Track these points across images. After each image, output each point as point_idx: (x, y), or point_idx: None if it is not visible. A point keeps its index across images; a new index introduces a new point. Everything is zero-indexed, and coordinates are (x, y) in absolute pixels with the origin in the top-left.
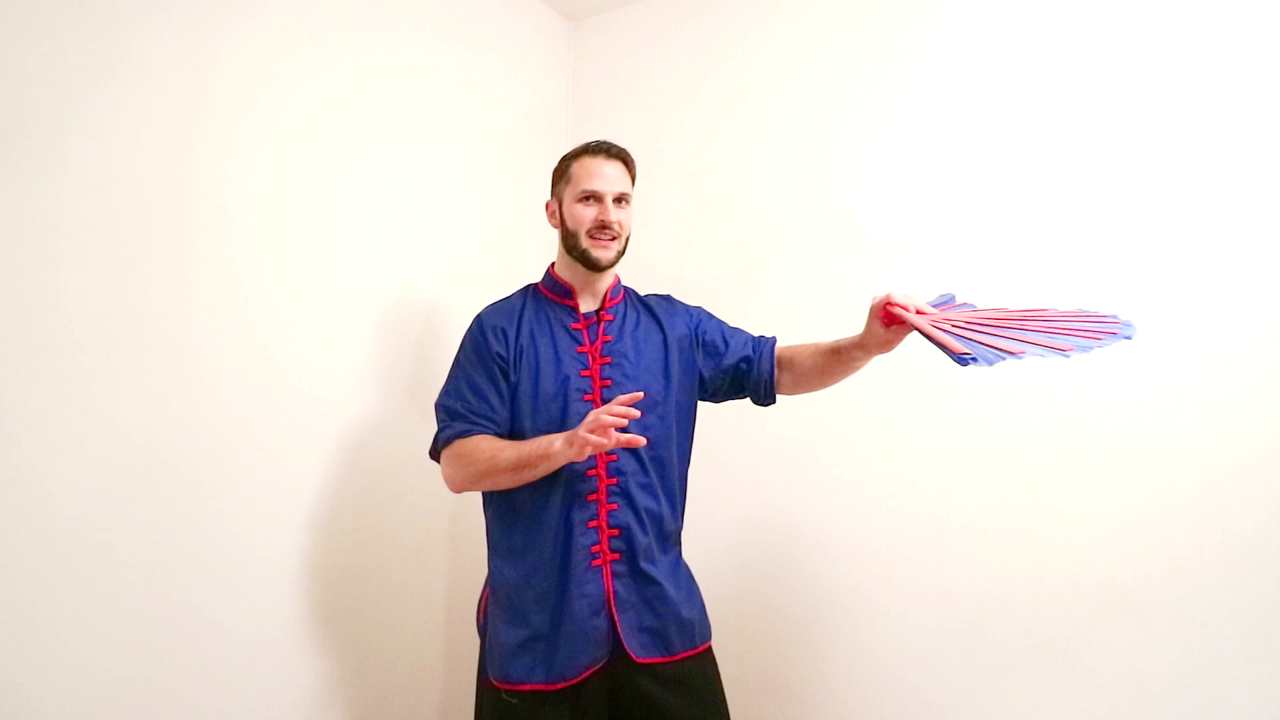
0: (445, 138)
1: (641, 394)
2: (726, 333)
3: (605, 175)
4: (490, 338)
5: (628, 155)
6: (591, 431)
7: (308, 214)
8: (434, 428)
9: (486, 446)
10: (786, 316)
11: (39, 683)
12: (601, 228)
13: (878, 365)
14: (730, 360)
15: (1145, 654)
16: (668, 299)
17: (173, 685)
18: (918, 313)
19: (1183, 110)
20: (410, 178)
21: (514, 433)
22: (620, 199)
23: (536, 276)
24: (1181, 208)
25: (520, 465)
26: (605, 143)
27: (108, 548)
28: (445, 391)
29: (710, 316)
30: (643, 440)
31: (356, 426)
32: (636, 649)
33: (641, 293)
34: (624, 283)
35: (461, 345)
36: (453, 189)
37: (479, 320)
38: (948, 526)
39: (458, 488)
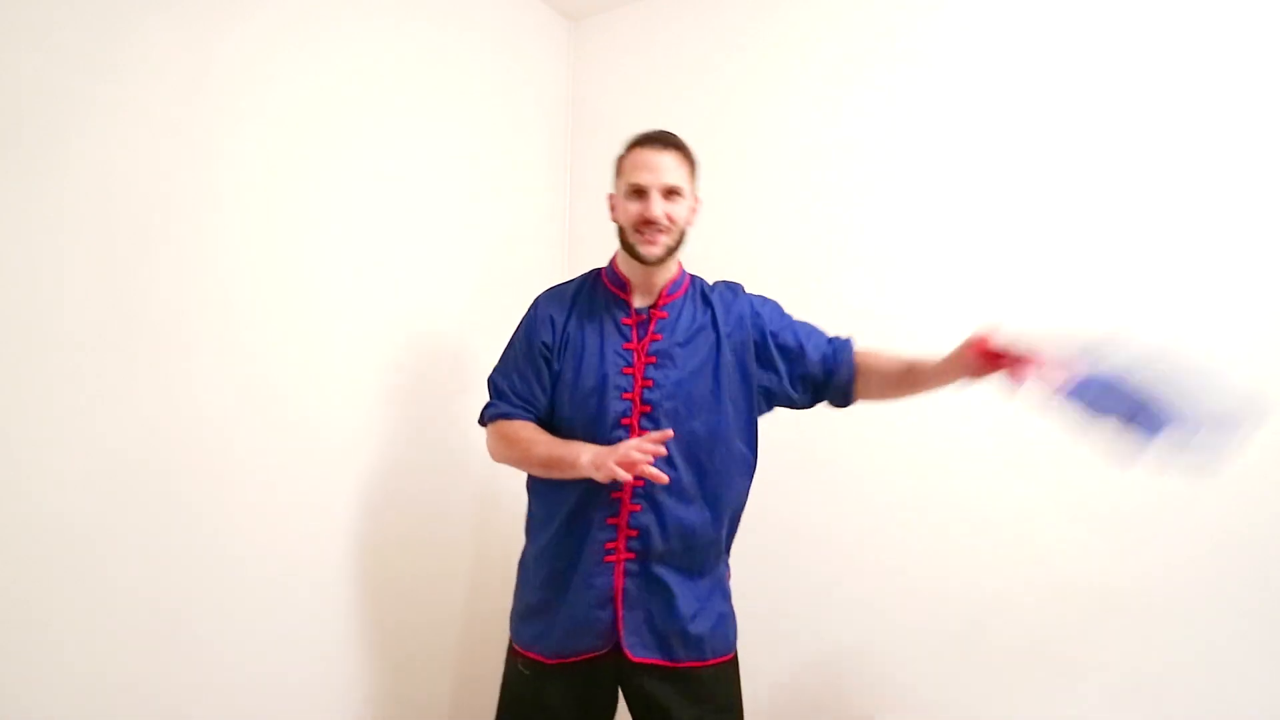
0: (445, 138)
1: (671, 433)
2: (801, 333)
3: (652, 167)
4: (539, 326)
5: (681, 143)
6: (619, 463)
7: (305, 215)
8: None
9: (525, 436)
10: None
11: (37, 687)
12: (646, 224)
13: None
14: (813, 362)
15: (1144, 654)
16: (734, 291)
17: (172, 688)
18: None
19: (1183, 110)
20: (410, 178)
21: (552, 419)
22: (671, 191)
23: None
24: (1182, 208)
25: (548, 464)
26: (658, 132)
27: (106, 552)
28: (498, 368)
29: (783, 314)
30: (665, 478)
31: (356, 428)
32: (633, 647)
33: (711, 280)
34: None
35: (519, 324)
36: (452, 189)
37: (535, 305)
38: (946, 527)
39: (496, 460)
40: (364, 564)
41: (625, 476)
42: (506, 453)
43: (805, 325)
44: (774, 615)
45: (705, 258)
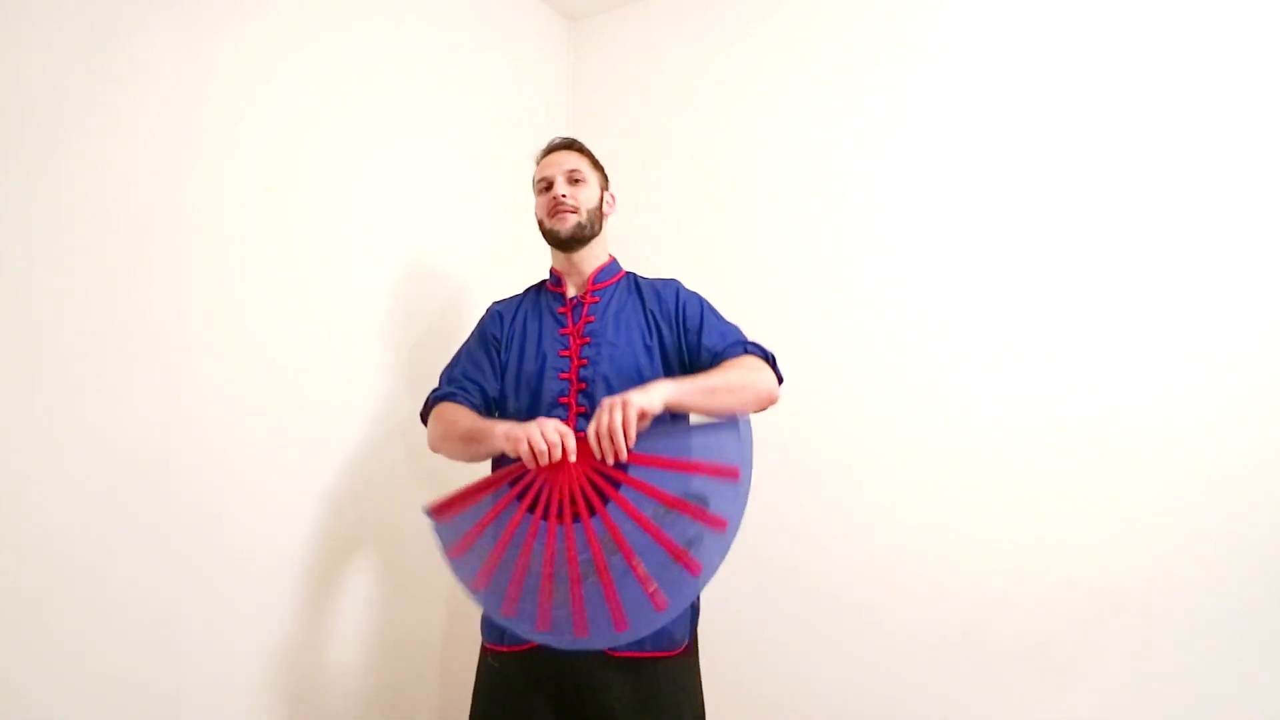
0: (444, 137)
1: (575, 441)
2: (710, 323)
3: (552, 162)
4: (490, 322)
5: (573, 141)
6: (528, 438)
7: (304, 216)
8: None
9: (454, 415)
10: (784, 316)
11: (38, 685)
12: (555, 205)
13: (877, 365)
14: (704, 347)
15: (1145, 655)
16: (667, 281)
17: (171, 689)
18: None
19: (1183, 111)
20: (409, 178)
21: (502, 407)
22: (573, 177)
23: (534, 275)
24: (1184, 209)
25: (469, 437)
26: (552, 139)
27: (106, 550)
28: (448, 365)
29: (706, 307)
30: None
31: (356, 427)
32: None
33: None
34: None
35: (472, 331)
36: (452, 189)
37: (489, 308)
38: (947, 527)
39: (431, 447)
40: (364, 564)
41: (535, 448)
42: (436, 432)
43: (721, 321)
44: (772, 617)
45: (705, 257)
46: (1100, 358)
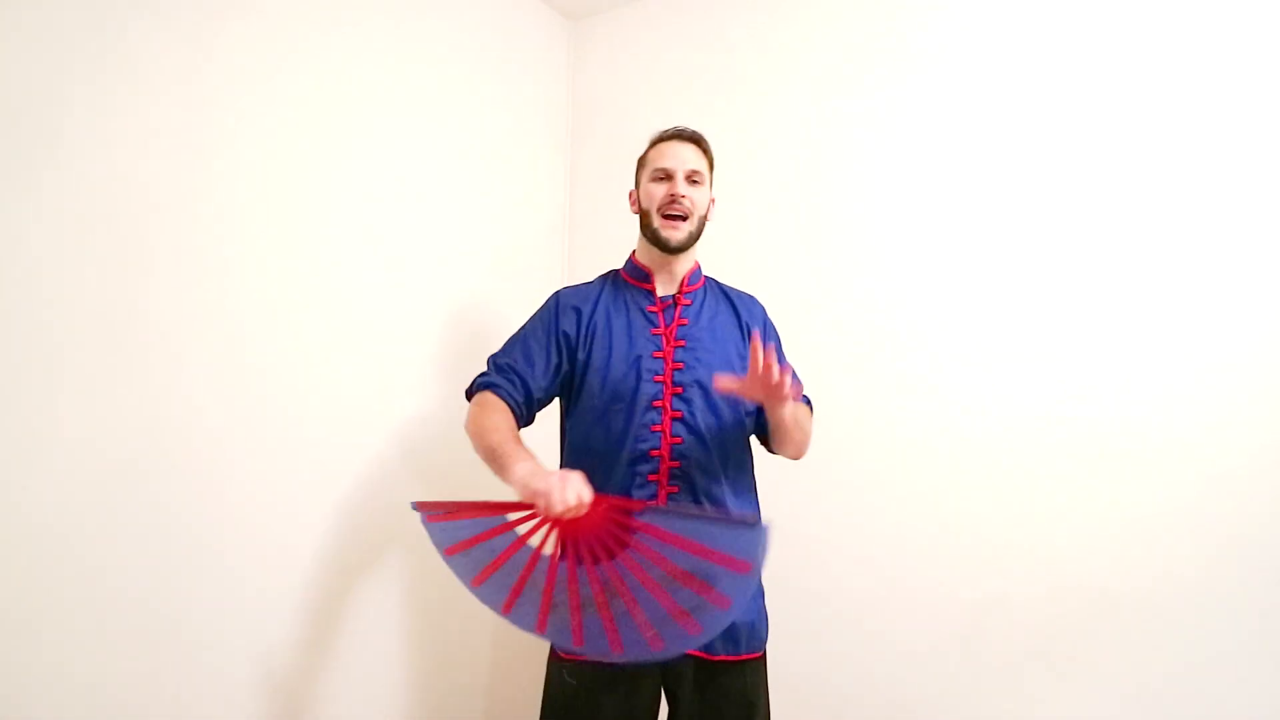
0: (444, 137)
1: (589, 500)
2: (784, 361)
3: (676, 154)
4: (561, 315)
5: (702, 139)
6: (539, 492)
7: (302, 217)
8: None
9: (489, 419)
10: (784, 316)
11: (33, 690)
12: (672, 202)
13: (876, 365)
14: None
15: (1145, 655)
16: (752, 299)
17: (169, 691)
18: None
19: (1184, 111)
20: (409, 177)
21: (580, 408)
22: (694, 177)
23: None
24: (1184, 210)
25: (491, 455)
26: (681, 127)
27: (103, 555)
28: (501, 349)
29: (778, 341)
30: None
31: (355, 427)
32: None
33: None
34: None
35: (532, 316)
36: (451, 188)
37: (555, 296)
38: (947, 527)
39: (468, 432)
40: (365, 568)
41: (550, 506)
42: (471, 425)
43: (786, 361)
44: (771, 618)
45: (705, 256)
46: (1100, 358)
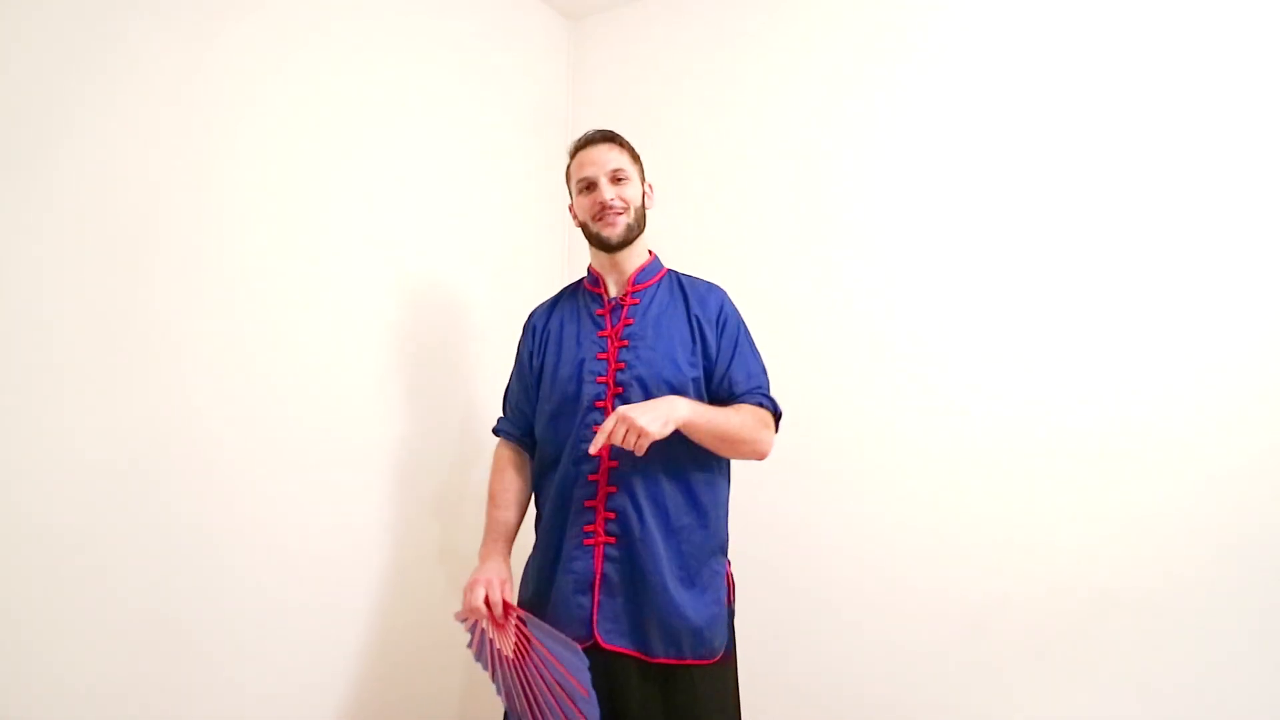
0: (444, 137)
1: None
2: (743, 353)
3: (593, 161)
4: (526, 337)
5: (613, 134)
6: (469, 597)
7: (301, 217)
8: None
9: (497, 484)
10: (784, 317)
11: (35, 692)
12: (602, 210)
13: (876, 364)
14: (725, 368)
15: (1145, 655)
16: (710, 286)
17: (170, 693)
18: None
19: (1184, 112)
20: (409, 178)
21: (539, 413)
22: (617, 175)
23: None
24: (1184, 210)
25: (487, 509)
26: (590, 131)
27: (104, 556)
28: (508, 383)
29: (744, 331)
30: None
31: (355, 427)
32: (603, 633)
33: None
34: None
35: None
36: (452, 188)
37: (528, 318)
38: (948, 527)
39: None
40: (362, 566)
41: (468, 603)
42: (488, 486)
43: (753, 354)
44: (772, 618)
45: (704, 257)
46: (1101, 358)
